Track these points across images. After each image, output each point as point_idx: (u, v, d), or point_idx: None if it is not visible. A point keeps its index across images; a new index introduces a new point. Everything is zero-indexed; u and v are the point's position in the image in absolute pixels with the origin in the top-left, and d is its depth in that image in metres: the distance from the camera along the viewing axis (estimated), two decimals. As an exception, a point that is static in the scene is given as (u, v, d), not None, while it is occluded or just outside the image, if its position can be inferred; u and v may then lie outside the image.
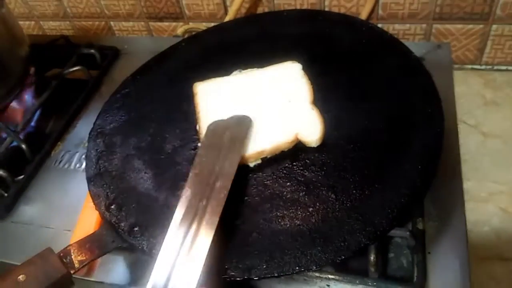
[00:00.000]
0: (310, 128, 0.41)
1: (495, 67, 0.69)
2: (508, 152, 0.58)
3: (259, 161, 0.40)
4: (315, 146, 0.40)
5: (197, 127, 0.43)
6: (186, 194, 0.34)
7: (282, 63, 0.47)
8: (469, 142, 0.60)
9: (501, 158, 0.57)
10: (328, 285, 0.37)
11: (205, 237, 0.31)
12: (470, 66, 0.71)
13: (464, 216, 0.40)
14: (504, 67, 0.69)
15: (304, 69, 0.46)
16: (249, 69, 0.48)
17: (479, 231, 0.50)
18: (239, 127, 0.40)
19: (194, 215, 0.33)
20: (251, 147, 0.40)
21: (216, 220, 0.32)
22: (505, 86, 0.66)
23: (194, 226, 0.32)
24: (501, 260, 0.49)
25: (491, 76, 0.69)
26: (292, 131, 0.40)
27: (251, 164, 0.40)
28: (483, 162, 0.58)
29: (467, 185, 0.54)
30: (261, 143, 0.40)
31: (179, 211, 0.33)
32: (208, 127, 0.41)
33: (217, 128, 0.40)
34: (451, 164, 0.44)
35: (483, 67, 0.70)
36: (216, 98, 0.45)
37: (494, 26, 0.64)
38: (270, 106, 0.43)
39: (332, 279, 0.37)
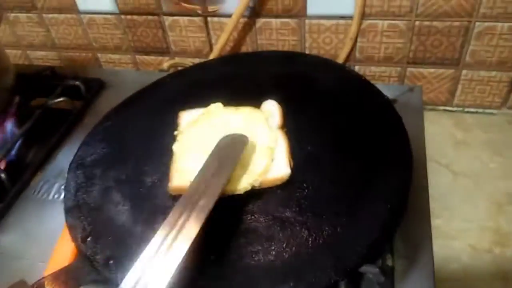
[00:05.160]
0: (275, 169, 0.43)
1: (466, 109, 0.73)
2: (477, 191, 0.60)
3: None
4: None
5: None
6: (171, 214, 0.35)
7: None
8: (440, 181, 0.62)
9: (470, 197, 0.60)
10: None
11: (181, 245, 0.32)
12: (442, 108, 0.74)
13: (432, 254, 0.42)
14: (474, 110, 0.72)
15: (281, 107, 0.49)
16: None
17: (448, 268, 0.52)
18: (232, 147, 0.42)
19: (173, 227, 0.33)
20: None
21: (195, 231, 0.33)
22: (475, 127, 0.70)
23: (171, 236, 0.33)
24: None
25: (461, 117, 0.72)
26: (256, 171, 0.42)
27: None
28: (453, 200, 0.60)
29: (437, 222, 0.56)
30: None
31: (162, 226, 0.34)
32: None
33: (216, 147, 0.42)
34: (421, 202, 0.46)
35: (454, 108, 0.73)
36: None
37: (464, 71, 0.68)
38: None
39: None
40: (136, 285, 0.30)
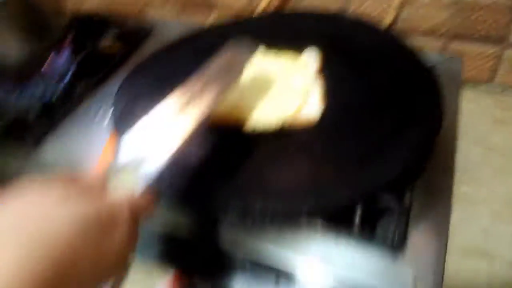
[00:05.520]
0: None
1: (507, 90, 0.71)
2: (509, 167, 0.60)
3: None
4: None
5: None
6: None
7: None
8: (473, 154, 0.62)
9: (501, 171, 0.59)
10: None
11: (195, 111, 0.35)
12: (482, 86, 0.73)
13: (450, 204, 0.42)
14: (515, 90, 0.71)
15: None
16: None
17: (469, 229, 0.52)
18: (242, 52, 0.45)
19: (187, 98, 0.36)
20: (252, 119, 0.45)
21: (200, 114, 0.35)
22: (515, 107, 0.69)
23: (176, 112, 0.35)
24: (484, 256, 0.50)
25: (502, 97, 0.71)
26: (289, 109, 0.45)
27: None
28: (483, 172, 0.60)
29: (464, 189, 0.56)
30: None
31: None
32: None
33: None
34: (446, 162, 0.46)
35: (495, 88, 0.72)
36: None
37: (508, 51, 0.67)
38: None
39: (320, 228, 0.40)
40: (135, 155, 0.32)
